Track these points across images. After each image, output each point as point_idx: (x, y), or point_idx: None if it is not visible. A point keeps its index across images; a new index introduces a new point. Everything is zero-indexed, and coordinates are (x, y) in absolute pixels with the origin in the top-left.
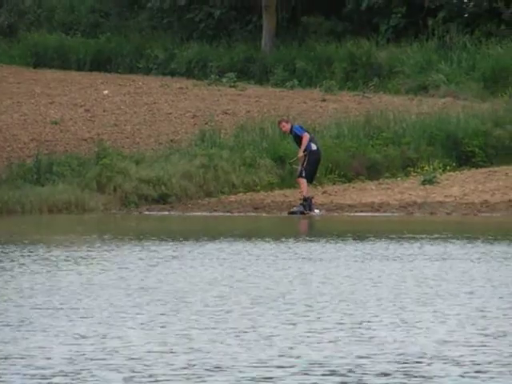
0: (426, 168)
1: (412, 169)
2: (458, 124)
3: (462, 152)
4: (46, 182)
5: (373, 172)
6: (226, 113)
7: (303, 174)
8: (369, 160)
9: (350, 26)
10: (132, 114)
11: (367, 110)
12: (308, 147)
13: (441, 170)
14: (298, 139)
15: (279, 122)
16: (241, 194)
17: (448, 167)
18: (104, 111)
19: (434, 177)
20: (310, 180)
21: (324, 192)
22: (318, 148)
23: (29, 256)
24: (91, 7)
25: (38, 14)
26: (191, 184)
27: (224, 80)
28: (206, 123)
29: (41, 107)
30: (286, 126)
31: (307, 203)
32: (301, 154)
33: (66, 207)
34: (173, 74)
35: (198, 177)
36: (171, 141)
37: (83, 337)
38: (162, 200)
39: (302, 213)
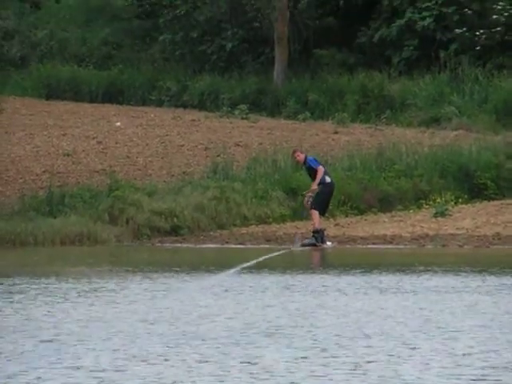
0: (438, 200)
1: (424, 201)
2: (470, 156)
3: (474, 184)
4: (59, 213)
5: (385, 204)
6: (238, 145)
7: (314, 206)
8: (381, 192)
9: (362, 58)
10: (144, 146)
11: (379, 143)
12: (322, 179)
13: (453, 203)
14: (312, 171)
15: (293, 152)
16: (253, 226)
17: (460, 199)
18: (116, 143)
19: (446, 209)
20: (322, 212)
21: (336, 224)
22: (331, 181)
23: (38, 287)
24: (103, 39)
25: (50, 45)
26: (203, 216)
27: (236, 112)
28: (218, 155)
29: (53, 139)
30: (301, 156)
31: (319, 235)
32: (315, 186)
33: (79, 239)
34: (185, 105)
35: (210, 209)
36: (183, 173)
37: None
38: (175, 232)
39: (313, 245)
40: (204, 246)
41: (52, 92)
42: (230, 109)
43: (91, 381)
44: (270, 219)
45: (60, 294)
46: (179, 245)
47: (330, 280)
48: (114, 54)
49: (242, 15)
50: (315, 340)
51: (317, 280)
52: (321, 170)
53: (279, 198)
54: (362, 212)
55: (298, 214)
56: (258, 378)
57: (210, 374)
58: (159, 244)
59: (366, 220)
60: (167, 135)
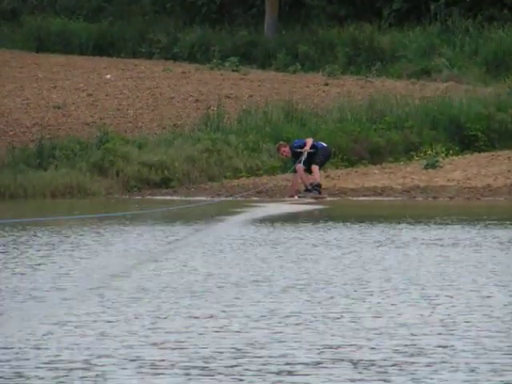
0: (429, 152)
1: (415, 153)
2: (461, 108)
3: (464, 136)
4: (49, 166)
5: (376, 156)
6: (229, 97)
7: (317, 163)
8: (371, 144)
9: (352, 10)
10: (134, 99)
11: (370, 95)
12: (318, 145)
13: (443, 154)
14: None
15: (278, 149)
16: (243, 179)
17: (451, 151)
18: (106, 95)
19: (437, 161)
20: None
21: (327, 176)
22: (328, 145)
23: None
24: None
25: None
26: (194, 168)
27: (227, 64)
28: (209, 107)
29: (43, 91)
30: (286, 150)
31: (319, 188)
32: (307, 148)
33: (69, 191)
34: (175, 58)
35: (201, 161)
36: (174, 125)
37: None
38: (165, 184)
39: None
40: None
41: (42, 44)
42: (220, 61)
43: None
44: (261, 171)
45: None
46: (169, 197)
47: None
48: (105, 6)
49: None
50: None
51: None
52: (310, 140)
53: (270, 150)
54: (352, 164)
55: (290, 166)
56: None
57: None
58: (149, 196)
59: (356, 172)
60: (157, 87)
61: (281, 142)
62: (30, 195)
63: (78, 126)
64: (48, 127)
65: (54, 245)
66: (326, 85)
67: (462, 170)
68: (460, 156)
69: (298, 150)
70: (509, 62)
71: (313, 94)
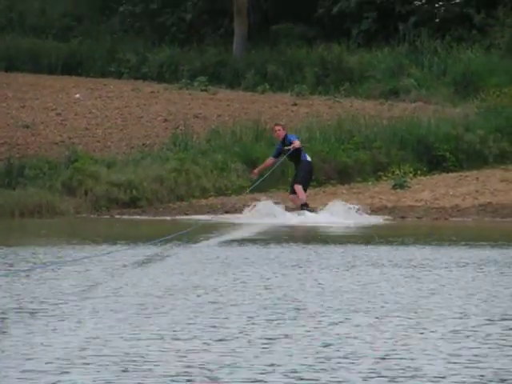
0: (397, 172)
1: (383, 173)
2: (429, 128)
3: (432, 156)
4: (18, 185)
5: (344, 176)
6: (198, 117)
7: (298, 181)
8: (340, 164)
9: (321, 30)
10: (103, 118)
11: (338, 115)
12: (303, 157)
13: (411, 175)
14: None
15: (273, 128)
16: (212, 198)
17: (419, 171)
18: (75, 115)
19: (405, 181)
20: (305, 188)
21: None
22: (311, 160)
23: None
24: (63, 11)
25: (9, 17)
26: (163, 188)
27: (195, 84)
28: (178, 127)
29: (12, 111)
30: (281, 132)
31: (307, 207)
32: (293, 146)
33: (38, 211)
34: (144, 77)
35: (169, 181)
36: (143, 145)
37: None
38: (133, 204)
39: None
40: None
41: (11, 64)
42: (189, 81)
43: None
44: (229, 191)
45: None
46: (138, 217)
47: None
48: (74, 25)
49: None
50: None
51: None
52: (298, 141)
53: (238, 170)
54: (320, 184)
55: (257, 186)
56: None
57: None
58: (118, 216)
59: (324, 192)
60: (126, 107)
61: (280, 123)
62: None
63: (47, 145)
64: (17, 146)
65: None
66: (295, 105)
67: (430, 190)
68: (428, 176)
69: (286, 148)
70: (477, 83)
71: (281, 113)
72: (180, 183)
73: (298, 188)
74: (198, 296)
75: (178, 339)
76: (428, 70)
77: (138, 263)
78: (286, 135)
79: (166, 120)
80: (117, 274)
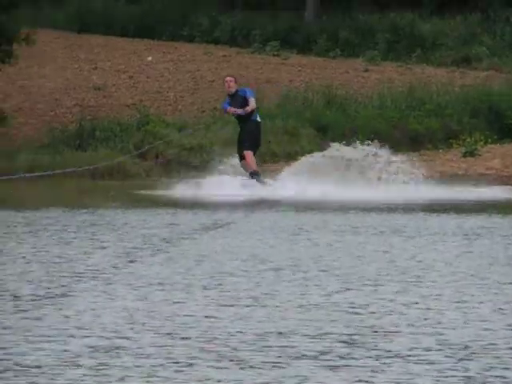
0: (468, 140)
1: (454, 141)
2: (501, 96)
3: (504, 124)
4: (88, 147)
5: (415, 143)
6: (269, 81)
7: (247, 147)
8: (411, 131)
9: None
10: (175, 81)
11: (410, 81)
12: (254, 117)
13: (482, 143)
14: (243, 102)
15: (226, 76)
16: (282, 163)
17: (490, 139)
18: (147, 78)
19: (476, 149)
20: (254, 153)
21: None
22: (260, 120)
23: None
24: None
25: None
26: (233, 151)
27: (267, 48)
28: None
29: (84, 72)
30: (232, 85)
31: (258, 176)
32: (246, 110)
33: (108, 173)
34: (216, 41)
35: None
36: (214, 109)
37: None
38: (203, 167)
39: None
40: None
41: (84, 26)
42: (261, 45)
43: None
44: (299, 156)
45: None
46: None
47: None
48: None
49: None
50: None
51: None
52: (253, 101)
53: (309, 136)
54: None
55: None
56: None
57: None
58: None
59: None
60: (198, 70)
61: (233, 75)
62: (68, 176)
63: (119, 107)
64: (88, 108)
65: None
66: (366, 71)
67: (501, 158)
68: (499, 144)
69: (236, 110)
70: None
71: (352, 79)
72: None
73: (249, 154)
74: None
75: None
76: (500, 38)
77: None
78: (237, 90)
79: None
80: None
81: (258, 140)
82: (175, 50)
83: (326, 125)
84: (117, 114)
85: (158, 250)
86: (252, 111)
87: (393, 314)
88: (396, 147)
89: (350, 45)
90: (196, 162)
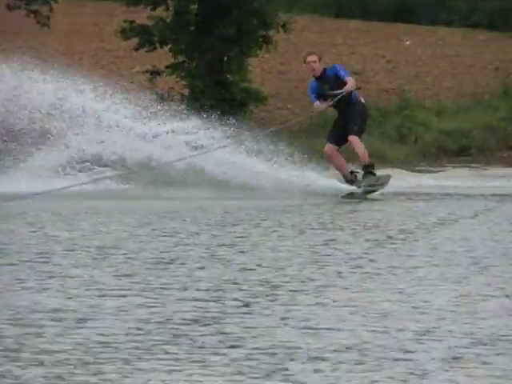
0: None
1: None
2: None
3: None
4: None
5: None
6: None
7: (355, 133)
8: None
9: None
10: (433, 66)
11: None
12: (355, 97)
13: None
14: (339, 84)
15: (307, 55)
16: None
17: None
18: (406, 62)
19: None
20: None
21: None
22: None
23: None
24: None
25: None
26: (492, 136)
27: None
28: (508, 76)
29: (342, 57)
30: (317, 67)
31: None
32: (346, 89)
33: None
34: (475, 25)
35: (499, 130)
36: (473, 93)
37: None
38: (462, 152)
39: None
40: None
41: (340, 10)
42: None
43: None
44: None
45: None
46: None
47: None
48: None
49: None
50: None
51: None
52: (351, 80)
53: None
54: None
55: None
56: None
57: None
58: (448, 165)
59: None
60: (456, 55)
61: (314, 52)
62: None
63: (377, 92)
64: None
65: None
66: None
67: None
68: None
69: (331, 93)
70: None
71: None
72: (510, 132)
73: (356, 140)
74: None
75: None
76: None
77: None
78: (324, 70)
79: (497, 68)
80: None
81: (365, 124)
82: (433, 34)
83: None
84: (375, 98)
85: None
86: (351, 92)
87: None
88: None
89: None
90: (454, 147)
